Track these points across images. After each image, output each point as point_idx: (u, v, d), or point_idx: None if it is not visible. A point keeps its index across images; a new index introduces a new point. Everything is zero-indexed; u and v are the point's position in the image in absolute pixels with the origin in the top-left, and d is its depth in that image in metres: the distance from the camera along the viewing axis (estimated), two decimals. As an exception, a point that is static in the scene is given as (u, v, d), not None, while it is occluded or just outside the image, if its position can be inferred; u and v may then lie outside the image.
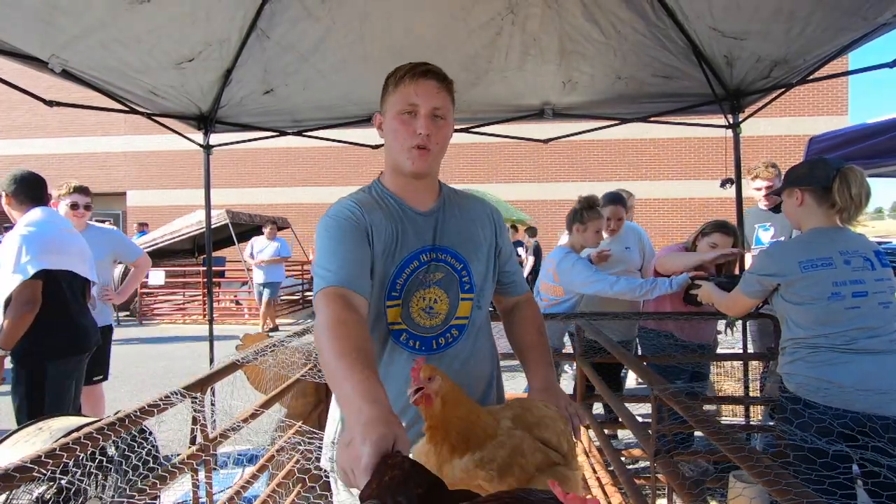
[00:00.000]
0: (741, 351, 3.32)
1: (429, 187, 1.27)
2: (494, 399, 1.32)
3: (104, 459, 1.35)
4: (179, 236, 10.36)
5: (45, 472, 1.07)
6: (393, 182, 1.26)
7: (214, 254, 11.20)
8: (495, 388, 1.33)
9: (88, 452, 1.18)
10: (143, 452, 1.42)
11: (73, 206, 3.18)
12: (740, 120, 3.25)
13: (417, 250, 1.21)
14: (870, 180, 3.41)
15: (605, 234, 3.34)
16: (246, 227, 11.11)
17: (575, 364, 2.91)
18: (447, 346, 1.22)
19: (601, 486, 2.39)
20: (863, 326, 1.78)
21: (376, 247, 1.16)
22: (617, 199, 3.34)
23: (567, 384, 3.67)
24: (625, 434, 3.52)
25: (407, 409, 1.14)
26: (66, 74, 2.40)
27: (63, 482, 1.34)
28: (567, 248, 3.13)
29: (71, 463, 1.20)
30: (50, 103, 2.53)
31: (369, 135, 4.13)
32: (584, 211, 3.10)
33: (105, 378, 3.34)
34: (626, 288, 2.88)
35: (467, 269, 1.24)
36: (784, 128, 13.87)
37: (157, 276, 10.13)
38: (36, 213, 2.63)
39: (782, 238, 3.25)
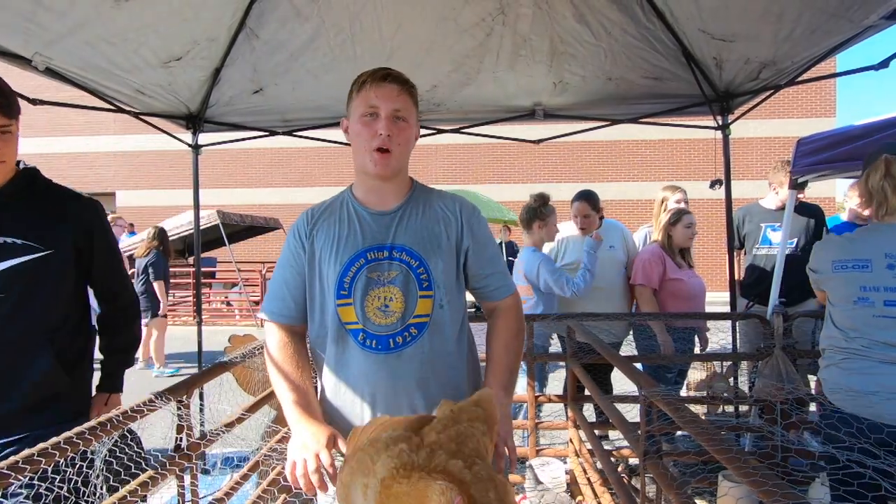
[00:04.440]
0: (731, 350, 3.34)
1: (395, 188, 1.29)
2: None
3: (84, 465, 1.32)
4: (169, 237, 10.25)
5: (22, 478, 1.05)
6: (359, 185, 1.32)
7: (205, 255, 11.12)
8: (468, 393, 1.29)
9: (69, 457, 1.16)
10: (126, 458, 1.40)
11: None
12: (730, 121, 3.27)
13: (363, 249, 1.24)
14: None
15: (574, 231, 3.39)
16: (237, 228, 11.03)
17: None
18: (405, 346, 1.22)
19: (591, 486, 2.39)
20: (888, 341, 1.63)
21: (316, 254, 1.27)
22: (582, 196, 3.36)
23: (557, 385, 3.69)
24: (615, 434, 3.53)
25: (362, 408, 1.24)
26: (51, 73, 2.36)
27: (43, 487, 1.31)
28: (533, 248, 3.24)
29: (50, 469, 1.18)
30: (34, 102, 2.49)
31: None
32: (541, 208, 3.26)
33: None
34: (582, 283, 3.02)
35: (425, 267, 1.23)
36: (773, 129, 14.00)
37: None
38: None
39: (795, 239, 3.28)
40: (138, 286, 5.86)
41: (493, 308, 1.34)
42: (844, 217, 3.49)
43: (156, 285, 5.91)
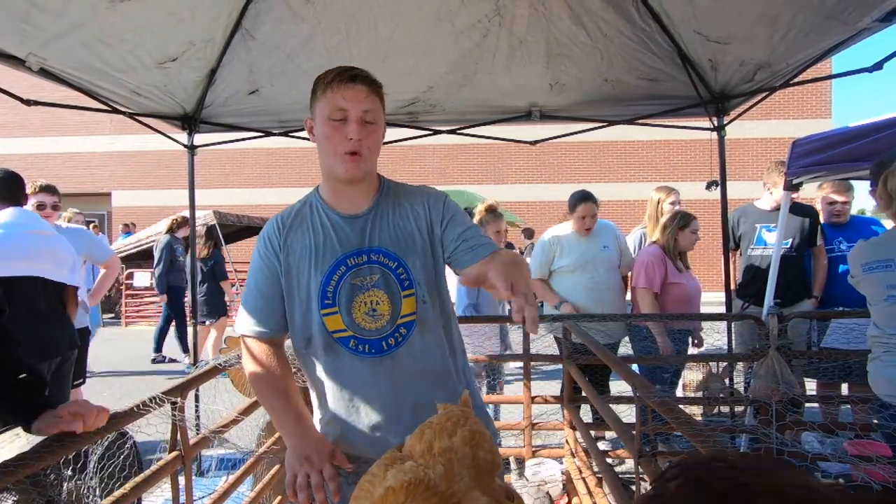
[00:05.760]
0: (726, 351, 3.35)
1: (364, 189, 1.27)
2: (452, 393, 1.27)
3: (78, 467, 1.32)
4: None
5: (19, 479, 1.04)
6: (326, 188, 1.28)
7: (201, 255, 11.04)
8: (456, 382, 1.30)
9: (63, 459, 1.16)
10: (122, 458, 1.39)
11: (39, 207, 3.06)
12: (725, 122, 3.28)
13: (342, 256, 1.22)
14: (852, 183, 3.44)
15: (574, 231, 3.37)
16: (234, 228, 10.99)
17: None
18: (398, 346, 1.22)
19: (587, 486, 2.39)
20: None
21: (293, 265, 1.23)
22: (588, 197, 3.36)
23: (553, 387, 3.69)
24: (613, 435, 3.54)
25: (363, 412, 1.23)
26: (45, 73, 2.35)
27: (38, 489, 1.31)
28: None
29: (48, 469, 1.17)
30: (28, 102, 2.48)
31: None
32: (482, 216, 3.35)
33: (83, 382, 3.28)
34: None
35: (403, 266, 1.23)
36: (769, 130, 14.04)
37: (142, 278, 10.00)
38: (2, 214, 2.52)
39: (790, 240, 3.29)
40: (203, 289, 5.76)
41: (485, 262, 1.18)
42: (831, 218, 3.47)
43: (223, 285, 5.87)
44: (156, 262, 6.38)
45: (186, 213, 7.06)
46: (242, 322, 1.27)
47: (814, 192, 3.64)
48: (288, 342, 1.35)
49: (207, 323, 5.78)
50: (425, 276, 1.25)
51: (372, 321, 1.21)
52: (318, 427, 1.33)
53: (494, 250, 1.21)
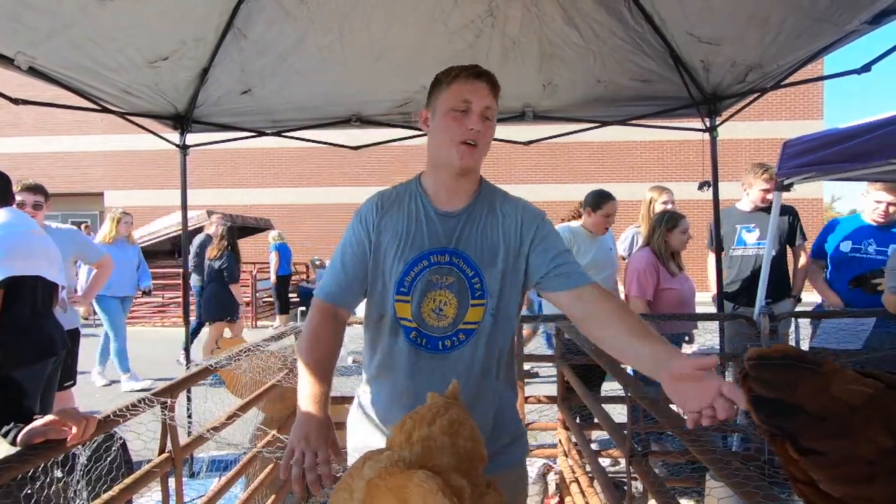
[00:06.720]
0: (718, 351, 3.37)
1: (466, 187, 1.29)
2: (490, 421, 1.27)
3: (66, 469, 1.31)
4: (159, 237, 10.16)
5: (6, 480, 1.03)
6: (430, 179, 1.31)
7: (195, 255, 10.97)
8: (496, 407, 1.29)
9: (51, 461, 1.15)
10: (109, 460, 1.38)
11: (19, 206, 2.94)
12: (717, 123, 3.30)
13: (427, 251, 1.24)
14: (842, 184, 3.44)
15: (587, 230, 3.34)
16: (228, 229, 10.92)
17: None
18: (452, 349, 1.24)
19: (579, 486, 2.40)
20: None
21: (382, 246, 1.26)
22: (611, 195, 3.35)
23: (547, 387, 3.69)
24: (602, 435, 3.54)
25: (404, 402, 1.23)
26: (34, 72, 2.33)
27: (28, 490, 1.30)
28: None
29: (34, 470, 1.16)
30: (17, 102, 2.46)
31: (351, 135, 4.11)
32: None
33: (74, 383, 3.25)
34: None
35: (479, 276, 1.24)
36: (761, 131, 14.14)
37: (135, 278, 9.91)
38: (0, 214, 2.52)
39: (767, 240, 3.30)
40: (208, 289, 5.62)
41: (575, 297, 1.22)
42: (873, 216, 3.18)
43: (232, 288, 5.68)
44: (192, 262, 6.11)
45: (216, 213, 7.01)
46: (321, 287, 1.32)
47: (863, 189, 3.44)
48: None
49: (207, 324, 5.69)
50: (500, 288, 1.25)
51: (436, 319, 1.24)
52: (358, 401, 1.36)
53: (585, 283, 1.22)
